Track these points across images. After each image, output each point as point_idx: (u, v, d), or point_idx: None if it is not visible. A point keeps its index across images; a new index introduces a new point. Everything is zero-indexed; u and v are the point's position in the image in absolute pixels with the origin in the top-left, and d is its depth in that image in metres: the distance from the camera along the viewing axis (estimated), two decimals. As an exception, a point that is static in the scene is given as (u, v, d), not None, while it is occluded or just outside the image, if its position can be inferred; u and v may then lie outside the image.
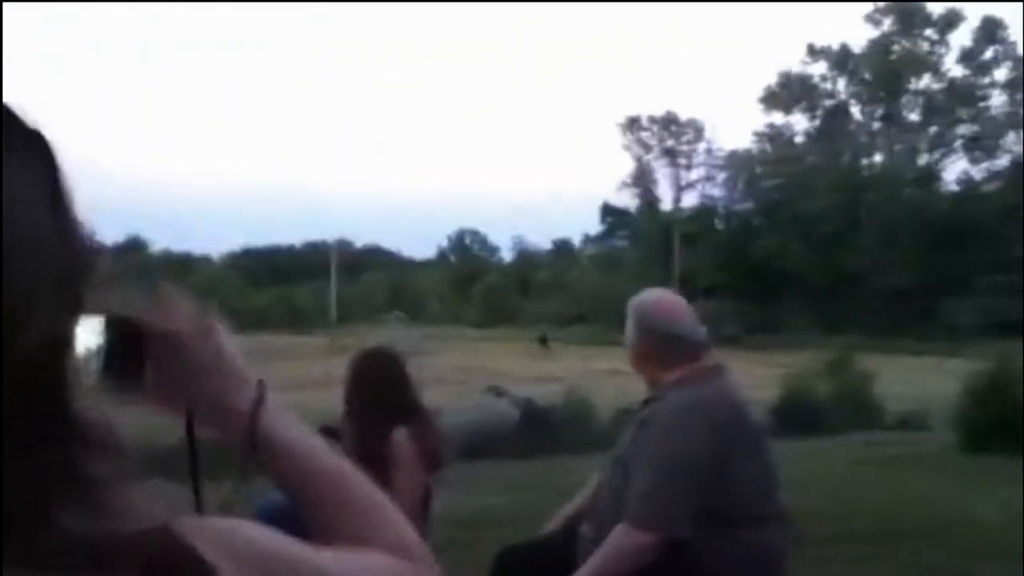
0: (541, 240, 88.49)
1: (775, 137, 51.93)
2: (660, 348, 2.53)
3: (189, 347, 0.67)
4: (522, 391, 11.34)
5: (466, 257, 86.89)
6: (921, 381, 17.03)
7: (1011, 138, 44.74)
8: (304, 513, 0.71)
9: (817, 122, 50.25)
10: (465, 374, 19.33)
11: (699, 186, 55.09)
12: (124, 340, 0.63)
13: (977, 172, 45.56)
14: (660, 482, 2.27)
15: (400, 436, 2.81)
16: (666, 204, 55.65)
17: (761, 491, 2.37)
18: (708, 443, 2.29)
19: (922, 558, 4.78)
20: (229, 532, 0.55)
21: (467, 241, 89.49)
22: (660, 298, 2.69)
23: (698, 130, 56.13)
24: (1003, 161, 44.60)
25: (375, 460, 2.94)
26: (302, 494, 0.71)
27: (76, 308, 0.49)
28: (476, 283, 73.38)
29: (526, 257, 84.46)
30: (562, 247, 79.77)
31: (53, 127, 0.53)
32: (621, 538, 2.27)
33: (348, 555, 0.65)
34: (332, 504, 0.71)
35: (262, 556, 0.56)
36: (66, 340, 0.48)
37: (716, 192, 54.69)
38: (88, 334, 0.59)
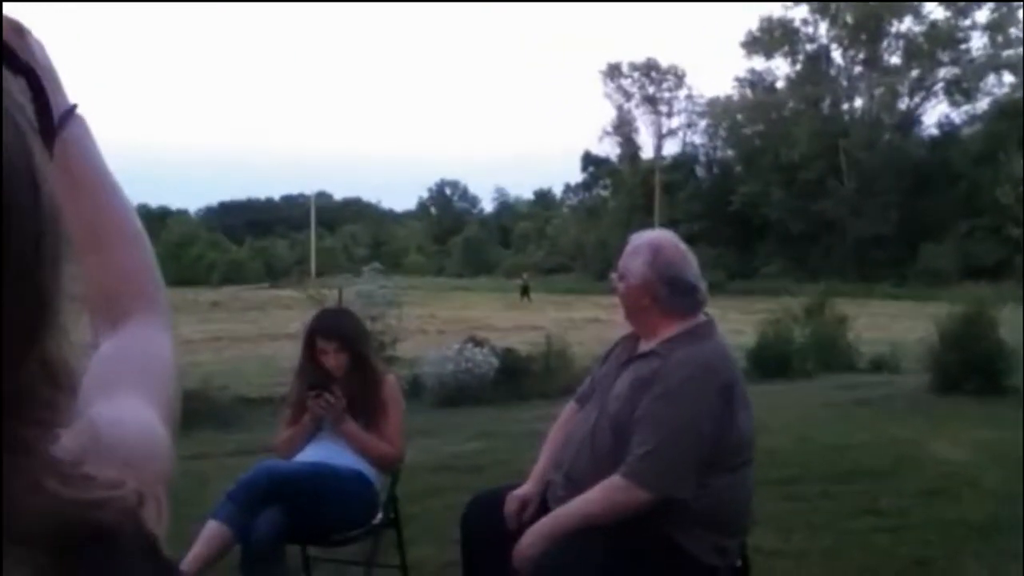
0: (522, 191, 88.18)
1: (756, 83, 51.65)
2: (670, 296, 2.42)
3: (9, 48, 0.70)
4: (502, 341, 11.39)
5: (447, 208, 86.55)
6: (897, 326, 17.24)
7: (991, 81, 44.76)
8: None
9: (798, 67, 50.00)
10: (445, 324, 19.38)
11: (680, 133, 54.95)
12: None
13: (957, 116, 45.63)
14: (667, 443, 2.23)
15: (391, 379, 3.42)
16: (647, 152, 55.50)
17: (746, 442, 2.38)
18: (715, 403, 2.28)
19: (883, 495, 4.90)
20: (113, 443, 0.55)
21: (448, 192, 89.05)
22: (676, 240, 2.55)
23: (679, 77, 55.76)
24: (983, 104, 44.66)
25: (369, 400, 3.21)
26: (77, 206, 0.73)
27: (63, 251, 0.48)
28: (457, 234, 73.21)
29: (507, 207, 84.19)
30: (543, 197, 79.55)
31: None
32: (617, 492, 2.25)
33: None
34: (92, 223, 0.74)
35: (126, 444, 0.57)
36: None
37: (697, 139, 54.62)
38: None
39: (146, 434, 0.61)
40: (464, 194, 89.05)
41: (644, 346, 2.48)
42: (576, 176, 62.29)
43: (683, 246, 2.53)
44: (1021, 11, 39.66)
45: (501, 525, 2.50)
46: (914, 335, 10.51)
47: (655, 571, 2.29)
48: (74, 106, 0.76)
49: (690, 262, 2.48)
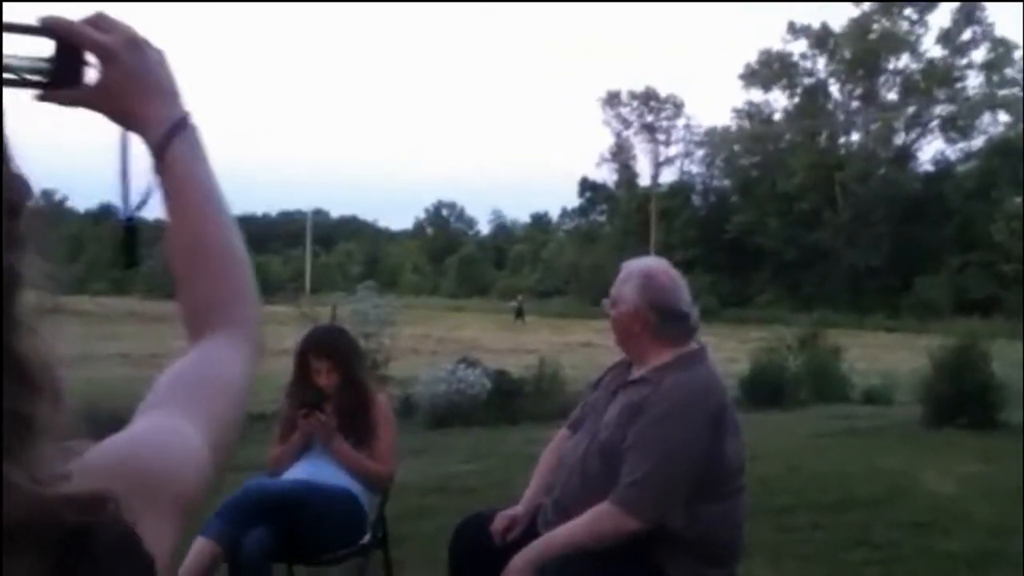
0: (519, 214, 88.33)
1: (754, 114, 51.99)
2: (661, 323, 2.42)
3: (122, 58, 0.73)
4: (495, 362, 11.37)
5: (443, 229, 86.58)
6: (890, 357, 17.28)
7: (987, 119, 45.13)
8: (175, 247, 0.76)
9: (796, 100, 50.36)
10: (439, 344, 19.35)
11: (678, 162, 55.19)
12: (62, 49, 0.70)
13: (952, 152, 45.98)
14: (657, 470, 2.22)
15: (383, 398, 3.46)
16: (644, 180, 55.71)
17: (736, 469, 2.37)
18: (705, 430, 2.27)
19: (874, 526, 4.88)
20: (121, 459, 0.56)
21: (444, 213, 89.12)
22: (667, 268, 2.55)
23: (677, 106, 56.07)
24: (978, 142, 44.98)
25: (360, 419, 3.19)
26: (178, 224, 0.76)
27: (23, 241, 0.49)
28: (452, 254, 73.21)
29: (503, 230, 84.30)
30: (540, 221, 79.72)
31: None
32: (606, 519, 2.24)
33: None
34: (193, 241, 0.76)
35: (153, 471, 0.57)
36: (17, 275, 0.48)
37: (694, 168, 54.85)
38: (30, 43, 0.67)
39: (170, 452, 0.61)
40: (461, 215, 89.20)
41: (635, 373, 2.48)
42: (573, 201, 62.53)
43: (675, 273, 2.54)
44: (1018, 52, 40.08)
45: (490, 549, 2.48)
46: (907, 367, 10.51)
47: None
48: (183, 117, 0.77)
49: (682, 289, 2.48)
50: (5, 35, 0.65)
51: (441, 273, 72.72)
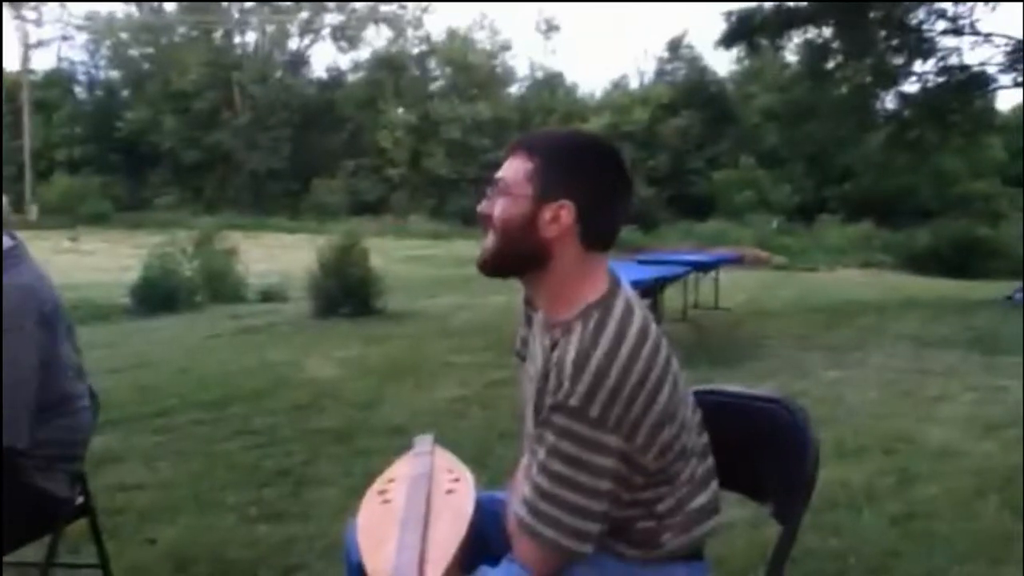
0: None
1: (143, 2, 48.50)
2: None
3: None
4: None
5: None
6: (288, 257, 18.01)
7: (371, 32, 48.77)
8: None
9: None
10: None
11: (55, 46, 49.08)
12: None
13: (344, 62, 48.94)
14: None
15: None
16: (12, 63, 48.47)
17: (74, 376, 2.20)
18: (37, 335, 2.03)
19: (255, 416, 5.06)
20: None
21: None
22: None
23: (52, -16, 49.60)
24: (365, 53, 48.51)
25: None
26: None
27: None
28: None
29: None
30: None
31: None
32: None
33: None
34: None
35: None
36: None
37: (76, 56, 49.43)
38: None
39: None
40: None
41: None
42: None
43: None
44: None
45: None
46: (303, 265, 11.06)
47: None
48: None
49: None
50: None
51: None
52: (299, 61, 46.80)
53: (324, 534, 3.05)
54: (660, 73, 39.41)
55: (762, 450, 1.63)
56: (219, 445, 4.41)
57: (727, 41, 14.95)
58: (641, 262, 9.00)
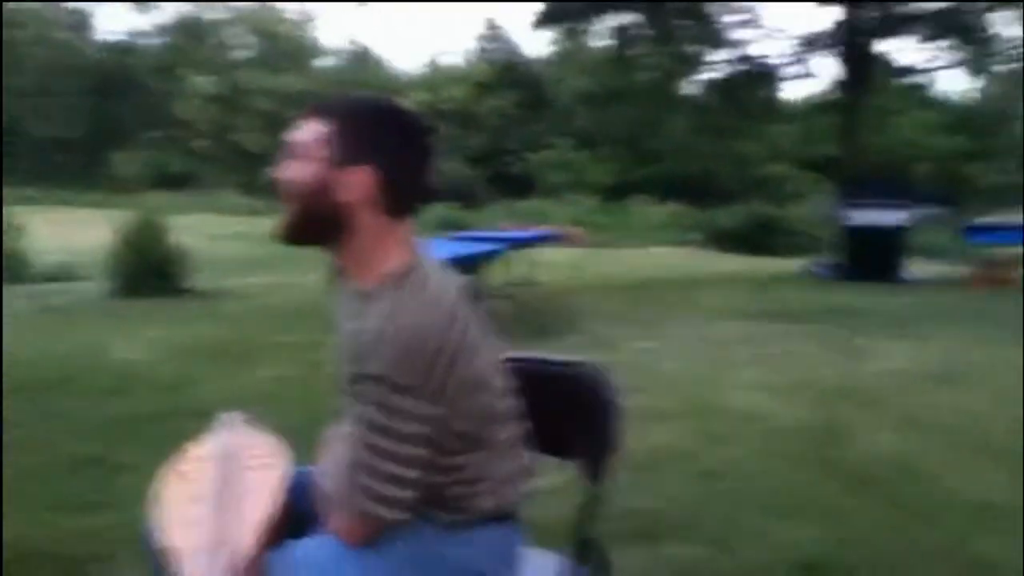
0: None
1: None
2: None
3: None
4: None
5: None
6: (82, 233, 16.72)
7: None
8: None
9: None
10: None
11: None
12: None
13: (143, 23, 45.55)
14: None
15: None
16: None
17: None
18: None
19: (56, 404, 4.69)
20: None
21: None
22: None
23: None
24: (166, 17, 45.65)
25: None
26: None
27: None
28: None
29: None
30: None
31: None
32: None
33: None
34: None
35: None
36: None
37: None
38: None
39: None
40: None
41: None
42: None
43: None
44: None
45: None
46: (101, 242, 10.33)
47: None
48: None
49: None
50: None
51: None
52: (82, 24, 43.30)
53: (133, 521, 2.89)
54: (481, 52, 39.76)
55: (571, 413, 1.68)
56: (21, 431, 4.07)
57: (541, 22, 15.30)
58: (460, 239, 9.06)
